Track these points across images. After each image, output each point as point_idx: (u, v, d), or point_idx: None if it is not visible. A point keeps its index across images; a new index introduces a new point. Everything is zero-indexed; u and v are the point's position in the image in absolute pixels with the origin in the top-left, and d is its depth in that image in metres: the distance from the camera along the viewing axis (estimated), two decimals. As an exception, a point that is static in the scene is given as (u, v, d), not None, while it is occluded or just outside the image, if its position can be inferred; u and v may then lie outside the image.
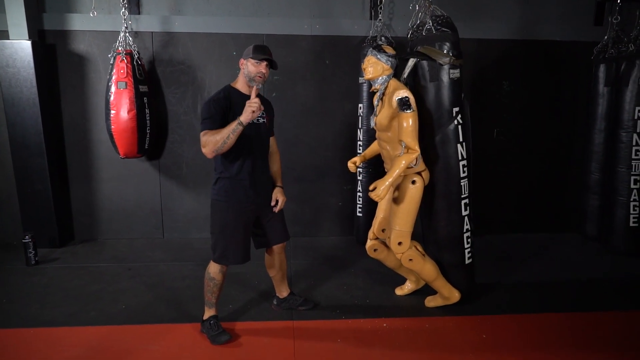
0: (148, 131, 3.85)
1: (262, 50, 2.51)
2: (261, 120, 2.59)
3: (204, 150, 2.41)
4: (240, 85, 2.56)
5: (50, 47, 3.92)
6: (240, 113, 2.41)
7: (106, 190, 4.22)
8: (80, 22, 3.92)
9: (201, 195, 4.29)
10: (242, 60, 2.54)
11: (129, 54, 3.68)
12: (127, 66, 3.63)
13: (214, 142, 2.36)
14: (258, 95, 2.44)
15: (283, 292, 3.01)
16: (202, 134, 2.42)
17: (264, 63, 2.50)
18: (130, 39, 3.78)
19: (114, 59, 3.67)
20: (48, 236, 3.99)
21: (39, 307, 3.03)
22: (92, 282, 3.39)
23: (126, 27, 3.77)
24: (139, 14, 3.96)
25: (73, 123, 4.08)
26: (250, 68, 2.49)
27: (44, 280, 3.43)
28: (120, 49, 3.69)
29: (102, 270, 3.60)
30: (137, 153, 3.85)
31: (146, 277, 3.49)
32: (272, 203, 2.70)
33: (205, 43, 4.05)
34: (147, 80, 3.87)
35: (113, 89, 3.64)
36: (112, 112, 3.66)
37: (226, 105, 2.46)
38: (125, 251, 4.02)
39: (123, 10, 3.75)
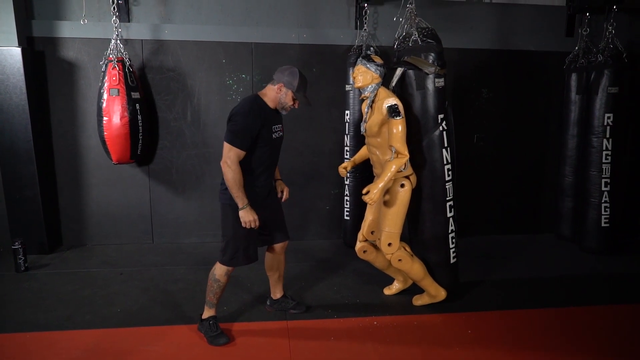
0: (140, 137, 3.88)
1: (305, 88, 2.63)
2: (280, 134, 2.71)
3: (224, 166, 2.48)
4: (269, 99, 2.62)
5: (40, 54, 3.93)
6: (268, 126, 2.57)
7: (95, 196, 4.23)
8: (69, 30, 3.94)
9: (191, 200, 4.34)
10: (282, 86, 2.59)
11: (121, 62, 3.73)
12: (119, 73, 3.67)
13: (230, 182, 2.49)
14: (276, 111, 2.66)
15: (277, 293, 3.09)
16: (229, 148, 2.48)
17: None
18: (122, 46, 3.83)
19: (106, 66, 3.71)
20: (37, 242, 3.98)
21: (32, 311, 3.04)
22: (84, 287, 3.41)
23: (117, 35, 3.81)
24: (129, 21, 4.01)
25: (62, 129, 4.09)
26: (287, 98, 2.61)
27: (36, 285, 3.43)
28: (111, 56, 3.73)
29: (93, 275, 3.62)
30: (129, 159, 3.89)
31: (138, 281, 3.53)
32: (279, 194, 2.86)
33: (195, 51, 4.13)
34: (139, 87, 3.91)
35: (105, 96, 3.67)
36: (105, 118, 3.69)
37: (261, 122, 2.53)
38: (115, 256, 4.04)
39: (114, 18, 3.80)
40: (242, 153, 2.50)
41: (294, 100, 2.64)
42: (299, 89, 2.60)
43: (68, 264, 3.86)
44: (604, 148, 4.01)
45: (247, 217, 2.54)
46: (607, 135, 3.99)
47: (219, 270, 2.71)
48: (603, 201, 4.07)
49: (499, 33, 4.45)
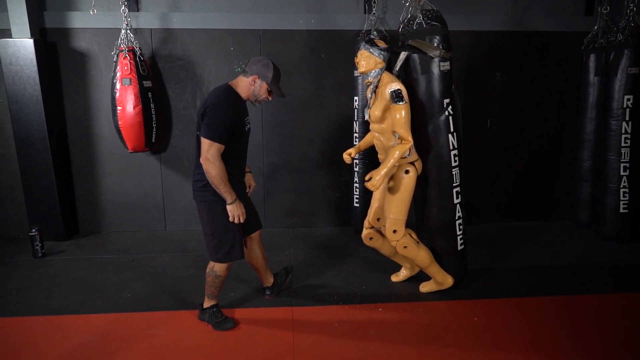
0: (154, 125, 3.94)
1: (279, 80, 2.62)
2: (249, 127, 2.69)
3: (206, 163, 2.41)
4: (242, 90, 2.58)
5: (52, 45, 4.00)
6: (242, 118, 2.54)
7: (109, 185, 4.32)
8: (80, 20, 4.00)
9: (202, 188, 4.38)
10: (256, 77, 2.56)
11: (132, 51, 3.76)
12: (130, 63, 3.71)
13: (215, 178, 2.42)
14: (245, 101, 2.63)
15: (269, 278, 3.09)
16: (210, 144, 2.40)
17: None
18: (132, 35, 3.86)
19: (117, 56, 3.75)
20: (53, 230, 4.10)
21: (46, 296, 3.14)
22: (97, 273, 3.51)
23: (127, 24, 3.84)
24: (137, 11, 4.04)
25: (75, 119, 4.17)
26: (262, 91, 2.59)
27: (51, 271, 3.54)
28: (122, 46, 3.77)
29: (106, 262, 3.72)
30: (144, 147, 3.95)
31: (150, 268, 3.60)
32: (246, 189, 2.83)
33: (204, 39, 4.13)
34: (150, 76, 3.95)
35: (118, 85, 3.73)
36: (119, 108, 3.76)
37: (237, 114, 2.51)
38: (128, 243, 4.13)
39: (123, 7, 3.83)
40: (222, 147, 2.43)
41: (268, 92, 2.62)
42: (273, 80, 2.58)
43: (83, 250, 3.97)
44: (623, 131, 3.86)
45: (236, 211, 2.53)
46: (627, 118, 3.84)
47: (219, 267, 2.69)
48: (622, 186, 3.93)
49: (513, 13, 4.31)
